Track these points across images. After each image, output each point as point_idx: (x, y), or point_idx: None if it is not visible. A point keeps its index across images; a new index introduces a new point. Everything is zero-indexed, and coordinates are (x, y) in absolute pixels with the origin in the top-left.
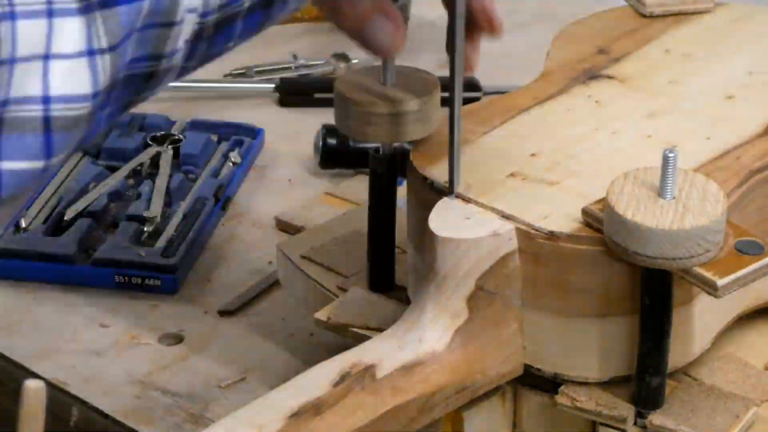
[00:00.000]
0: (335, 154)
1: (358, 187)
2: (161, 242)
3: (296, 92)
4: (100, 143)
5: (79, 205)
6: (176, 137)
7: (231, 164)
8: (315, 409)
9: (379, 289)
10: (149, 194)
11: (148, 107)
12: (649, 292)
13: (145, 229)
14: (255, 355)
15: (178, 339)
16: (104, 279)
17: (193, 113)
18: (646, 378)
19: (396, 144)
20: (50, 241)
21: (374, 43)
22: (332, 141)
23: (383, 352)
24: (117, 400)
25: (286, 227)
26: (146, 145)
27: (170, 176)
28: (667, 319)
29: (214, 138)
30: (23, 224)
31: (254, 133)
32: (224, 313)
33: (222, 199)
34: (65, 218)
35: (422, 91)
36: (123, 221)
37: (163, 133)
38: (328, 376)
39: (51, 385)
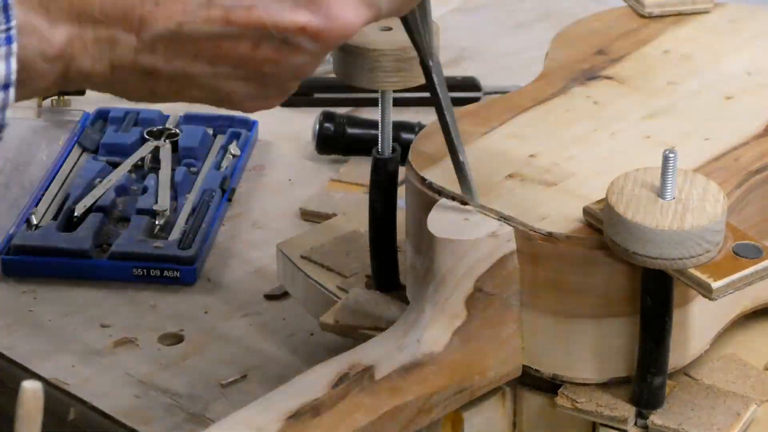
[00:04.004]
0: (332, 140)
1: (358, 171)
2: (175, 234)
3: (296, 92)
4: (98, 139)
5: (88, 201)
6: (172, 131)
7: (231, 156)
8: (314, 410)
9: (385, 289)
10: (155, 188)
11: (143, 104)
12: (650, 292)
13: (157, 222)
14: (255, 355)
15: (178, 339)
16: (122, 272)
17: (187, 110)
18: (648, 378)
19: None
20: (65, 236)
21: None
22: (329, 126)
23: (382, 353)
24: (117, 400)
25: (312, 216)
26: (143, 140)
27: (173, 170)
28: (669, 318)
29: (210, 131)
30: (34, 221)
31: (249, 125)
32: (271, 297)
33: (228, 190)
34: (75, 214)
35: None
36: (134, 215)
37: (159, 127)
38: (327, 378)
39: (50, 385)
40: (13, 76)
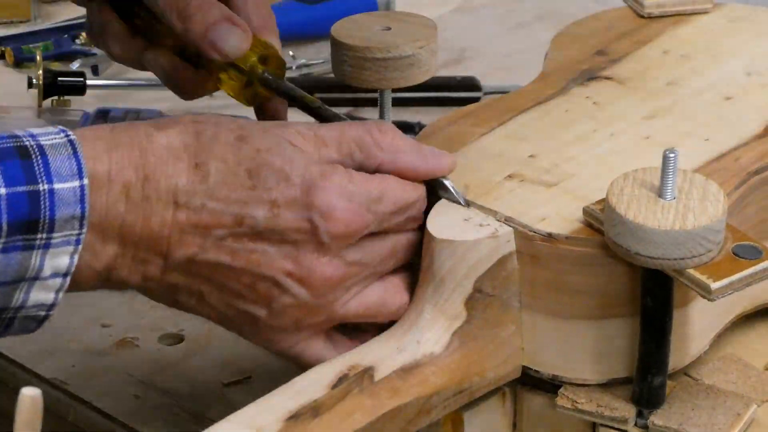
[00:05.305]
0: None
1: None
2: None
3: None
4: None
5: None
6: None
7: None
8: (313, 411)
9: None
10: None
11: (143, 103)
12: (650, 293)
13: None
14: (255, 355)
15: (178, 339)
16: None
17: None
18: (648, 378)
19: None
20: None
21: (223, 46)
22: None
23: (381, 354)
24: (117, 400)
25: None
26: None
27: None
28: (669, 318)
29: None
30: None
31: None
32: None
33: None
34: None
35: (419, 35)
36: None
37: None
38: (327, 378)
39: (50, 385)
40: (72, 269)
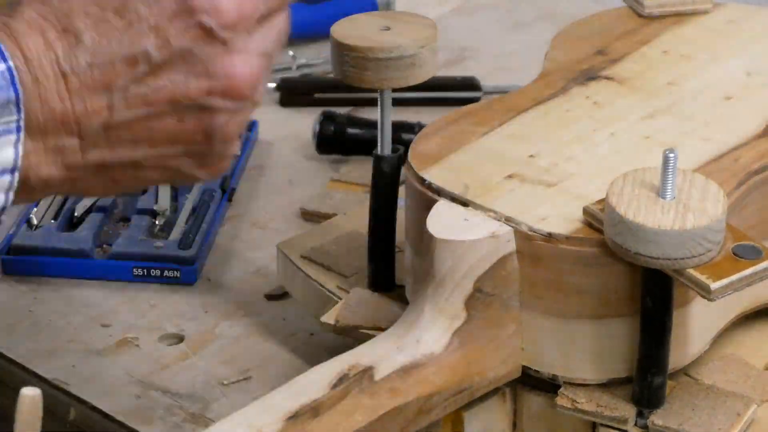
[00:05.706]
0: (332, 140)
1: (359, 171)
2: (175, 234)
3: (296, 92)
4: None
5: (88, 201)
6: None
7: None
8: (313, 411)
9: (380, 289)
10: (155, 188)
11: None
12: (650, 292)
13: (157, 222)
14: (255, 355)
15: (178, 339)
16: (123, 272)
17: None
18: (648, 377)
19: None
20: (66, 236)
21: None
22: (329, 126)
23: (381, 353)
24: (117, 400)
25: (312, 216)
26: None
27: None
28: (669, 318)
29: None
30: (34, 221)
31: (249, 125)
32: (271, 297)
33: (228, 190)
34: (75, 214)
35: (419, 35)
36: (134, 215)
37: None
38: (327, 378)
39: (50, 385)
40: (20, 162)
